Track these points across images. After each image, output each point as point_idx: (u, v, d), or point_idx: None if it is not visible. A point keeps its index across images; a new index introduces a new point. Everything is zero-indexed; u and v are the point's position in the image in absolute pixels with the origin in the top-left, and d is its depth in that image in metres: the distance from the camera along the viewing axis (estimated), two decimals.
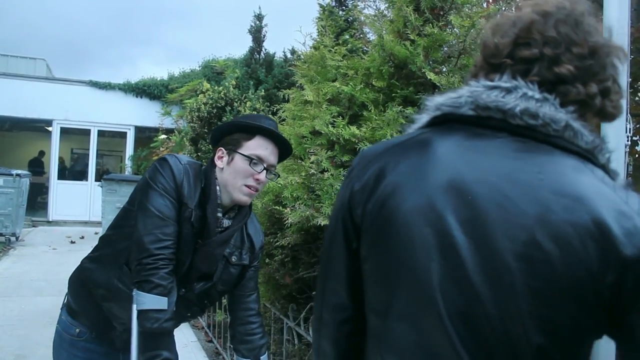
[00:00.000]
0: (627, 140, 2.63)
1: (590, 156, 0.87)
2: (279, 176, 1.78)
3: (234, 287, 1.87)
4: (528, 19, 0.92)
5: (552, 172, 0.83)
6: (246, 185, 1.69)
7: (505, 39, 0.93)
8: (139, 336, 1.57)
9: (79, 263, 1.90)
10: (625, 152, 2.60)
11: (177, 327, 1.93)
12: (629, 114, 2.66)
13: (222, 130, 1.78)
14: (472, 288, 0.81)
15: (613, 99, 0.91)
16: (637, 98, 6.49)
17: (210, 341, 4.66)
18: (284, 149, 1.77)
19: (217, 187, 1.71)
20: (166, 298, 1.56)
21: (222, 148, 1.73)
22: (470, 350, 0.81)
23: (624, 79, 0.97)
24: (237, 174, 1.68)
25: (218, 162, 1.73)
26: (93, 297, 1.79)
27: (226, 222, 1.75)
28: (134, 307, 1.57)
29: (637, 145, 7.02)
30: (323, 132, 2.61)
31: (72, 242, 9.83)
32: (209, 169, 1.74)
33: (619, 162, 2.53)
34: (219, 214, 1.72)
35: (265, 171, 1.70)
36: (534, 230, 0.79)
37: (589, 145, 0.86)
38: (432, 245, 0.84)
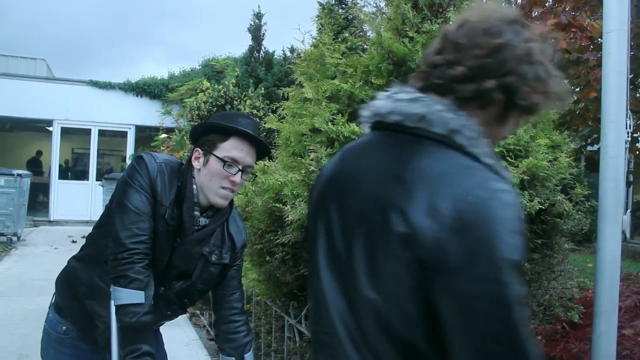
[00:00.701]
0: (627, 137, 2.63)
1: (447, 140, 1.01)
2: (256, 176, 1.79)
3: (215, 286, 1.88)
4: (444, 30, 1.11)
5: (392, 156, 1.05)
6: (222, 187, 1.70)
7: (430, 50, 1.12)
8: (118, 331, 1.59)
9: None
10: (626, 149, 2.61)
11: (160, 325, 1.95)
12: (628, 110, 2.67)
13: (199, 130, 1.78)
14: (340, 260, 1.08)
15: (523, 93, 1.03)
16: (637, 94, 6.50)
17: (212, 339, 4.66)
18: (261, 148, 1.77)
19: (194, 187, 1.73)
20: (143, 292, 1.59)
21: (198, 149, 1.74)
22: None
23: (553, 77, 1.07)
24: (213, 176, 1.69)
25: (195, 163, 1.74)
26: (77, 296, 1.81)
27: (203, 221, 1.76)
28: (112, 302, 1.59)
29: (638, 142, 7.01)
30: (323, 129, 2.61)
31: (74, 242, 9.83)
32: (186, 169, 1.75)
33: (619, 158, 2.54)
34: (196, 213, 1.73)
35: (240, 172, 1.70)
36: (373, 204, 1.01)
37: (445, 131, 1.01)
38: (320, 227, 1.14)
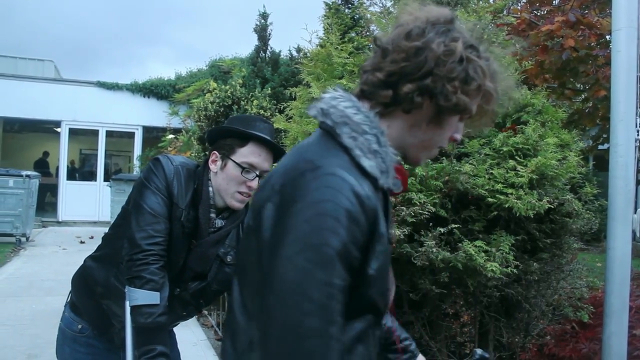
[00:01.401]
0: (638, 135, 2.62)
1: (333, 132, 1.04)
2: None
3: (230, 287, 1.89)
4: (374, 36, 1.15)
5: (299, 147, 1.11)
6: (239, 192, 1.72)
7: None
8: (133, 331, 1.61)
9: None
10: (636, 147, 2.59)
11: (174, 325, 1.96)
12: (638, 109, 2.65)
13: (217, 133, 1.80)
14: None
15: (445, 93, 1.02)
16: None
17: (220, 339, 4.67)
18: (278, 151, 1.78)
19: (210, 189, 1.74)
20: (158, 293, 1.60)
21: (215, 152, 1.75)
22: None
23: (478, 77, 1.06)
24: (230, 180, 1.71)
25: (212, 166, 1.75)
26: (94, 295, 1.83)
27: (219, 223, 1.77)
28: (127, 303, 1.61)
29: None
30: None
31: (82, 242, 9.88)
32: (202, 171, 1.77)
33: (628, 156, 2.53)
34: (212, 215, 1.75)
35: (257, 178, 1.72)
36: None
37: (332, 124, 1.05)
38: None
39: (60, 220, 13.28)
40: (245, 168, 1.69)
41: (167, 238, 1.67)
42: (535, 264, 2.60)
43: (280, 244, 0.94)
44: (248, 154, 1.70)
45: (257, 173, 1.71)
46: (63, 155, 13.66)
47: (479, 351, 1.52)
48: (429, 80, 1.02)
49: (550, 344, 3.09)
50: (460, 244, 2.36)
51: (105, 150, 14.20)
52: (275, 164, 1.78)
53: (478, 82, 1.04)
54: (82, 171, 15.62)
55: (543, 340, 3.14)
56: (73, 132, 14.06)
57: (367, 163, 1.02)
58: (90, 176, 14.43)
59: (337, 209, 0.92)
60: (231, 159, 1.70)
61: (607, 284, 2.49)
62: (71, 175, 14.35)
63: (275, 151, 1.76)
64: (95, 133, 13.98)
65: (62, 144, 13.60)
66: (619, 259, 2.48)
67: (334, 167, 0.98)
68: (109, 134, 14.20)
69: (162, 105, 13.92)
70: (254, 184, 1.71)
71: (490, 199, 2.40)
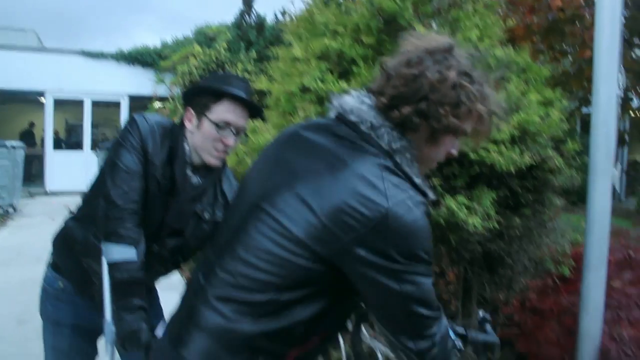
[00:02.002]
0: (619, 91, 2.63)
1: (383, 154, 1.18)
2: (247, 136, 1.81)
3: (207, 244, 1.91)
4: (381, 61, 1.28)
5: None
6: (215, 149, 1.72)
7: None
8: (111, 287, 1.62)
9: None
10: (618, 104, 2.61)
11: (153, 282, 1.98)
12: (621, 66, 2.65)
13: (193, 91, 1.79)
14: None
15: (437, 116, 1.16)
16: (633, 55, 6.44)
17: None
18: (254, 109, 1.77)
19: (187, 147, 1.74)
20: (134, 249, 1.61)
21: (190, 109, 1.74)
22: None
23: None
24: (206, 138, 1.71)
25: (187, 124, 1.75)
26: (74, 254, 1.84)
27: (196, 180, 1.77)
28: (104, 259, 1.62)
29: (631, 100, 6.99)
30: (312, 88, 2.59)
31: (71, 212, 9.84)
32: (178, 128, 1.76)
33: (610, 112, 2.54)
34: (188, 172, 1.75)
35: (233, 135, 1.72)
36: None
37: (387, 147, 1.19)
38: None
39: (48, 190, 13.21)
40: (221, 125, 1.69)
41: (142, 195, 1.68)
42: (517, 219, 2.64)
43: None
44: (223, 111, 1.69)
45: (233, 130, 1.71)
46: (49, 125, 13.49)
47: (481, 312, 1.57)
48: (424, 104, 1.16)
49: (532, 299, 3.15)
50: (442, 200, 2.38)
51: (92, 120, 14.03)
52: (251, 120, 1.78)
53: (468, 106, 1.17)
54: (68, 141, 15.45)
55: (525, 294, 3.20)
56: (58, 103, 13.85)
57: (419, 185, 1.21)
58: (77, 147, 14.28)
59: None
60: (206, 117, 1.70)
61: (587, 236, 2.54)
62: (57, 146, 14.20)
63: (251, 108, 1.76)
64: (80, 103, 13.79)
65: (47, 114, 13.43)
66: (599, 213, 2.52)
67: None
68: (95, 103, 14.01)
69: (148, 73, 13.74)
70: (230, 141, 1.71)
71: (472, 155, 2.42)
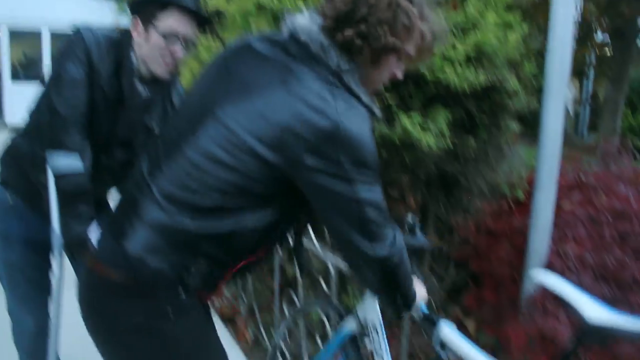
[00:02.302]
0: (576, 12, 2.62)
1: (328, 72, 1.22)
2: (196, 46, 1.79)
3: None
4: None
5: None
6: (164, 60, 1.70)
7: None
8: (57, 198, 1.63)
9: None
10: (574, 22, 2.60)
11: (104, 194, 1.99)
12: None
13: (139, 2, 1.74)
14: None
15: (375, 37, 1.19)
16: None
17: None
18: (202, 19, 1.74)
19: (134, 57, 1.71)
20: (79, 158, 1.61)
21: (137, 18, 1.70)
22: None
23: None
24: (153, 49, 1.68)
25: (135, 35, 1.71)
26: (22, 169, 1.83)
27: (144, 91, 1.75)
28: (49, 169, 1.61)
29: (596, 32, 7.03)
30: (267, 6, 2.53)
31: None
32: (126, 40, 1.73)
33: (566, 33, 2.54)
34: (136, 83, 1.73)
35: (181, 46, 1.69)
36: None
37: (334, 67, 1.21)
38: None
39: (7, 123, 12.85)
40: (168, 36, 1.66)
41: (88, 105, 1.66)
42: (472, 140, 2.67)
43: None
44: (171, 21, 1.66)
45: (182, 42, 1.69)
46: (4, 57, 12.98)
47: (410, 218, 1.61)
48: (363, 25, 1.19)
49: (487, 221, 3.25)
50: (397, 118, 2.40)
51: (51, 52, 13.49)
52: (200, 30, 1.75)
53: (407, 25, 1.20)
54: (27, 74, 14.88)
55: (481, 217, 3.30)
56: (14, 34, 13.27)
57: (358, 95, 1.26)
58: (37, 78, 13.74)
59: None
60: (154, 26, 1.66)
61: (538, 158, 2.59)
62: (16, 77, 13.72)
63: (199, 19, 1.72)
64: (37, 34, 13.25)
65: (2, 46, 12.92)
66: (551, 134, 2.56)
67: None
68: (54, 34, 13.43)
69: (108, 3, 13.19)
70: (179, 52, 1.69)
71: (428, 76, 2.42)
